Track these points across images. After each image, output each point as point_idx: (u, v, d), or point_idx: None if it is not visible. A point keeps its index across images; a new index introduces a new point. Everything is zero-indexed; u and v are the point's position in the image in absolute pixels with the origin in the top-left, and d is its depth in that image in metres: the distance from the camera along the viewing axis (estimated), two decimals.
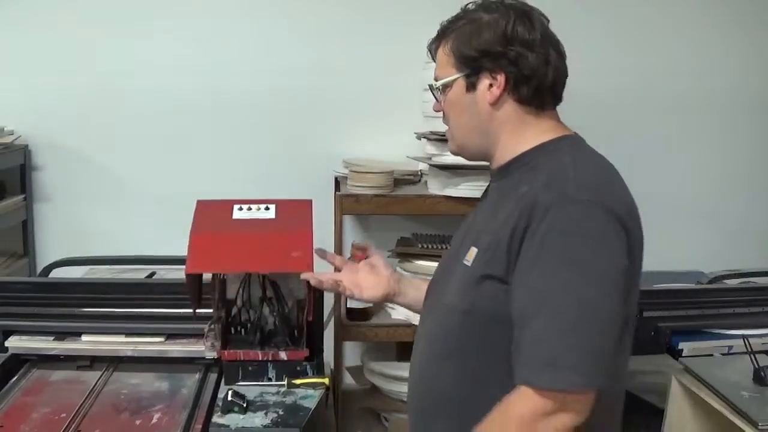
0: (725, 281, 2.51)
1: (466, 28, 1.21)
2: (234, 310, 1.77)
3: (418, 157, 2.62)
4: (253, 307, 1.77)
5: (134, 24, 2.72)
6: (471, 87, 1.21)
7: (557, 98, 1.27)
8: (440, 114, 1.30)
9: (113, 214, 2.83)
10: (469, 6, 1.25)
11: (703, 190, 3.05)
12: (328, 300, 2.29)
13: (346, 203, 2.48)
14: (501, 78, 1.19)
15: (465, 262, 1.19)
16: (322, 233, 2.22)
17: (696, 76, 2.95)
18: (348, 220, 2.88)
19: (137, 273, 2.37)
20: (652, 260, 2.99)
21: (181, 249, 2.30)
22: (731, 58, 2.96)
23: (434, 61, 1.28)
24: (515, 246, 1.10)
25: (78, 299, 1.90)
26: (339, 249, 2.57)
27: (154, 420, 1.60)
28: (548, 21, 1.25)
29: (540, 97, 1.22)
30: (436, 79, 1.26)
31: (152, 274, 2.37)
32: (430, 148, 2.49)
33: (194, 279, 1.72)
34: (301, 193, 2.00)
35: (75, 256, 2.46)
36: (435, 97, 1.28)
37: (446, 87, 1.24)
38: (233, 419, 1.58)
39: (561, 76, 1.26)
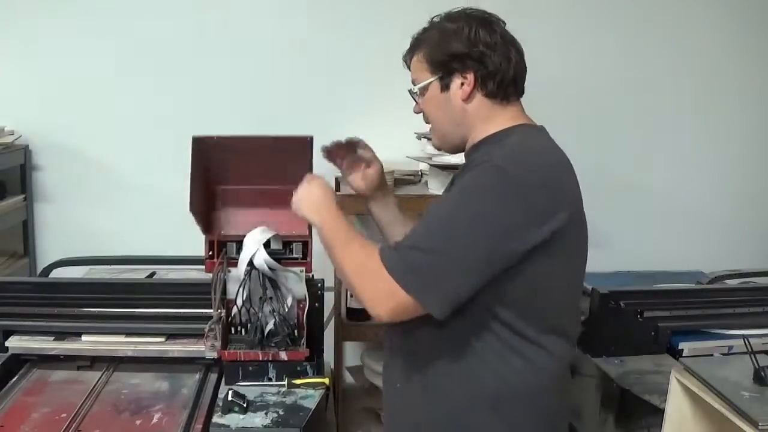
0: (725, 281, 2.51)
1: (435, 36, 1.39)
2: (234, 310, 1.77)
3: (418, 157, 2.62)
4: (253, 307, 1.77)
5: (134, 24, 2.72)
6: (445, 87, 1.38)
7: (519, 91, 1.45)
8: (421, 115, 1.47)
9: (113, 214, 2.83)
10: (435, 18, 1.42)
11: (703, 191, 3.05)
12: (329, 300, 2.30)
13: (347, 203, 2.47)
14: (470, 76, 1.36)
15: None
16: None
17: (696, 76, 2.95)
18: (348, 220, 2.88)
19: (137, 273, 2.37)
20: (653, 260, 3.03)
21: (181, 249, 2.32)
22: (733, 58, 2.96)
23: (410, 70, 1.45)
24: None
25: (78, 299, 1.90)
26: None
27: (155, 420, 1.60)
28: (505, 24, 1.43)
29: (504, 90, 1.40)
30: (413, 84, 1.43)
31: (152, 274, 2.37)
32: (430, 148, 2.49)
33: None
34: None
35: (75, 256, 2.46)
36: (415, 101, 1.45)
37: (424, 90, 1.41)
38: (233, 419, 1.58)
39: (521, 71, 1.45)
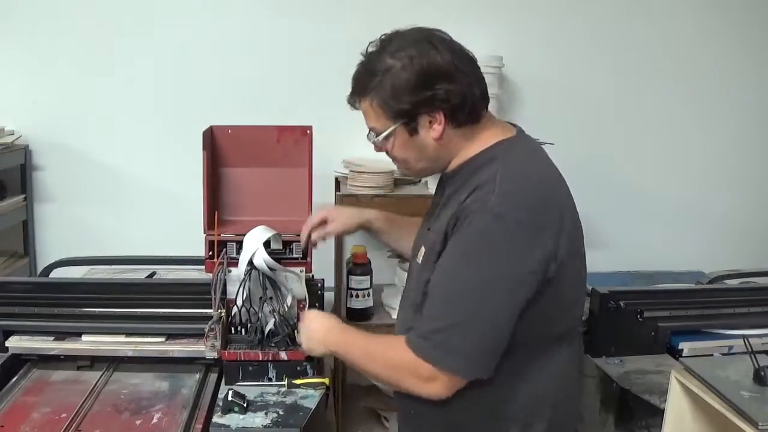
0: (725, 281, 2.51)
1: (386, 82, 1.26)
2: (234, 310, 1.77)
3: None
4: (253, 307, 1.77)
5: (134, 24, 2.72)
6: (413, 131, 1.29)
7: (487, 102, 1.34)
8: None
9: (113, 214, 2.83)
10: (371, 51, 1.31)
11: (703, 191, 3.05)
12: (329, 300, 2.30)
13: (346, 203, 2.48)
14: (439, 116, 1.27)
15: (417, 260, 1.37)
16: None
17: (697, 77, 2.96)
18: None
19: (137, 273, 2.37)
20: (653, 260, 3.03)
21: (181, 249, 2.32)
22: (733, 58, 2.96)
23: (355, 109, 1.35)
24: (444, 246, 1.26)
25: (78, 299, 1.90)
26: (339, 248, 2.57)
27: (155, 420, 1.60)
28: (446, 33, 1.32)
29: (475, 113, 1.30)
30: (372, 129, 1.33)
31: (152, 274, 2.37)
32: None
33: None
34: None
35: (75, 256, 2.46)
36: (374, 142, 1.35)
37: (387, 138, 1.31)
38: (233, 419, 1.58)
39: (482, 82, 1.32)
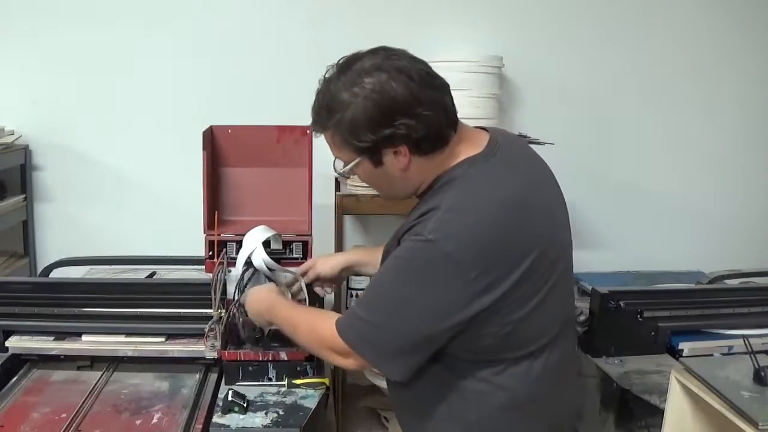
0: (725, 281, 2.51)
1: (345, 119, 1.23)
2: (234, 310, 1.77)
3: None
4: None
5: (134, 24, 2.72)
6: (378, 163, 1.27)
7: (455, 124, 1.28)
8: None
9: (113, 214, 2.83)
10: (329, 77, 1.28)
11: (703, 191, 3.05)
12: (329, 300, 2.30)
13: (347, 203, 2.48)
14: (403, 149, 1.24)
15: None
16: (323, 233, 2.22)
17: (696, 77, 2.96)
18: (348, 220, 2.88)
19: (137, 273, 2.37)
20: (653, 260, 3.03)
21: (181, 249, 2.31)
22: (732, 58, 2.96)
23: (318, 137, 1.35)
24: None
25: (78, 299, 1.90)
26: (339, 248, 2.57)
27: (155, 420, 1.60)
28: (403, 54, 1.26)
29: (441, 140, 1.26)
30: (337, 159, 1.31)
31: (152, 274, 2.37)
32: None
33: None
34: None
35: (75, 256, 2.46)
36: (340, 173, 1.33)
37: (352, 169, 1.30)
38: (233, 419, 1.58)
39: (447, 106, 1.26)
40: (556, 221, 1.35)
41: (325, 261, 1.72)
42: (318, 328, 1.38)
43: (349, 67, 1.25)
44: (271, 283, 1.72)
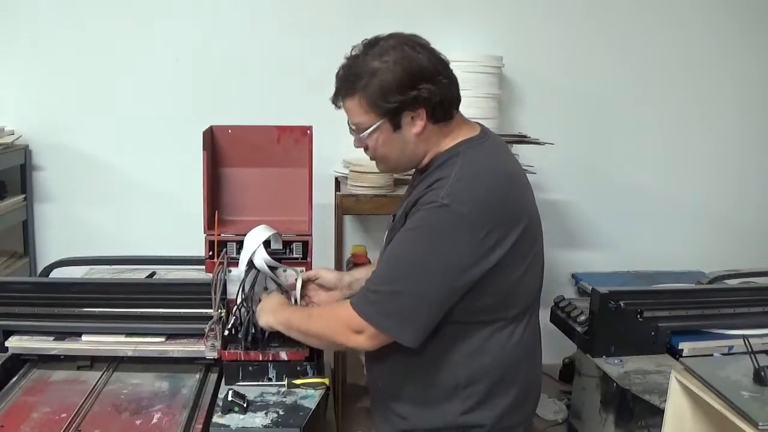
0: (725, 281, 2.51)
1: (373, 82, 1.35)
2: (234, 310, 1.77)
3: None
4: (254, 307, 1.77)
5: (134, 24, 2.72)
6: (396, 127, 1.39)
7: (459, 102, 1.44)
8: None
9: (113, 214, 2.83)
10: (356, 53, 1.40)
11: (703, 191, 3.05)
12: None
13: (347, 203, 2.48)
14: (422, 112, 1.38)
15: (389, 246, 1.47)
16: (323, 233, 2.22)
17: (696, 77, 2.96)
18: (348, 220, 2.88)
19: (137, 273, 2.37)
20: (652, 260, 3.04)
21: (181, 249, 2.31)
22: (731, 58, 2.96)
23: (339, 107, 1.44)
24: None
25: (78, 299, 1.90)
26: (339, 248, 2.57)
27: (155, 420, 1.60)
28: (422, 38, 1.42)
29: (450, 111, 1.42)
30: (356, 125, 1.41)
31: (152, 274, 2.37)
32: None
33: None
34: None
35: (75, 256, 2.46)
36: (357, 138, 1.44)
37: (372, 132, 1.40)
38: (233, 419, 1.58)
39: (457, 83, 1.43)
40: (535, 204, 1.48)
41: (327, 270, 1.81)
42: (334, 310, 1.49)
43: (376, 43, 1.39)
44: (282, 295, 1.73)
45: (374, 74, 1.35)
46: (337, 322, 1.43)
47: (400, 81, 1.34)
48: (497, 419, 1.44)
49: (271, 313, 1.62)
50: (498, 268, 1.34)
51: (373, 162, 1.52)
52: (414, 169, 1.51)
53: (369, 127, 1.39)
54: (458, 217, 1.31)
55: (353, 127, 1.43)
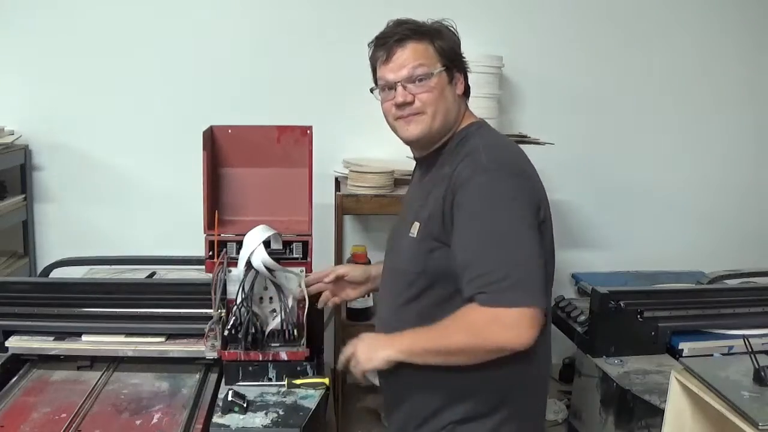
0: (725, 281, 2.51)
1: (444, 34, 1.47)
2: (234, 310, 1.77)
3: None
4: (254, 307, 1.77)
5: (134, 24, 2.72)
6: (450, 79, 1.46)
7: None
8: (405, 103, 1.45)
9: (113, 214, 2.83)
10: (413, 21, 1.49)
11: (703, 191, 3.05)
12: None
13: (347, 203, 2.48)
14: (462, 78, 1.49)
15: (411, 235, 1.45)
16: (323, 233, 2.22)
17: (696, 77, 2.96)
18: (348, 220, 2.88)
19: (137, 273, 2.37)
20: (653, 260, 3.03)
21: (181, 249, 2.31)
22: (733, 58, 2.96)
23: (394, 54, 1.45)
24: (448, 215, 1.37)
25: (78, 299, 1.90)
26: (339, 248, 2.57)
27: (155, 420, 1.60)
28: None
29: (470, 90, 1.52)
30: (419, 66, 1.43)
31: (152, 274, 2.37)
32: None
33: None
34: None
35: (75, 256, 2.46)
36: (418, 77, 1.43)
37: (429, 76, 1.43)
38: (233, 419, 1.58)
39: None
40: None
41: (353, 266, 1.83)
42: (464, 318, 1.31)
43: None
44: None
45: (442, 29, 1.47)
46: (485, 325, 1.28)
47: (458, 44, 1.49)
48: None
49: (382, 348, 1.42)
50: (542, 231, 1.37)
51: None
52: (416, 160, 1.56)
53: (430, 72, 1.42)
54: (509, 175, 1.35)
55: (407, 75, 1.43)
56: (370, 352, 1.43)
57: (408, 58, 1.43)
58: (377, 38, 1.50)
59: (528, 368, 1.41)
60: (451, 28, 1.50)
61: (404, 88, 1.43)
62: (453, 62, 1.46)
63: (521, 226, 1.31)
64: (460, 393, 1.42)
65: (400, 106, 1.45)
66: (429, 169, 1.50)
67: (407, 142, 1.52)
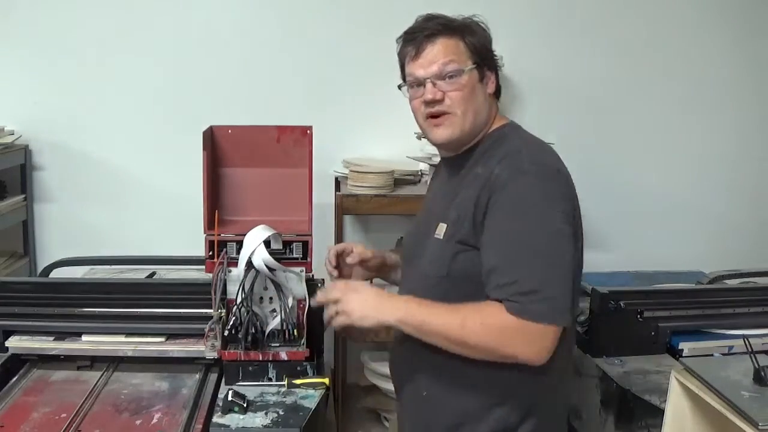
0: (725, 281, 2.51)
1: (476, 30, 1.42)
2: (234, 310, 1.77)
3: (418, 157, 2.62)
4: (254, 307, 1.77)
5: (134, 24, 2.72)
6: (481, 78, 1.42)
7: None
8: (435, 101, 1.40)
9: (113, 214, 2.83)
10: (436, 15, 1.43)
11: (704, 191, 3.05)
12: None
13: (347, 203, 2.48)
14: (493, 76, 1.44)
15: (436, 236, 1.41)
16: (323, 233, 2.22)
17: (696, 77, 2.96)
18: (348, 220, 2.88)
19: (137, 273, 2.37)
20: (652, 260, 3.03)
21: (181, 249, 2.31)
22: (733, 59, 2.96)
23: (423, 49, 1.40)
24: (479, 217, 1.33)
25: (78, 299, 1.90)
26: None
27: (155, 420, 1.60)
28: None
29: (500, 90, 1.49)
30: (449, 63, 1.38)
31: (152, 274, 2.37)
32: (430, 148, 2.49)
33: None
34: None
35: (75, 256, 2.46)
36: (449, 73, 1.39)
37: (460, 73, 1.38)
38: (233, 419, 1.58)
39: None
40: None
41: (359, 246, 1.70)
42: (490, 317, 1.27)
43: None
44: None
45: (473, 25, 1.43)
46: (508, 333, 1.25)
47: (489, 41, 1.44)
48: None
49: (383, 312, 1.34)
50: (575, 239, 1.34)
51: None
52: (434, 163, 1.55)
53: (461, 69, 1.38)
54: (552, 174, 1.33)
55: (437, 71, 1.38)
56: (367, 309, 1.35)
57: (438, 53, 1.39)
58: (406, 33, 1.45)
59: (552, 380, 1.40)
60: (482, 24, 1.45)
61: (434, 85, 1.39)
62: (484, 60, 1.42)
63: (558, 235, 1.29)
64: (494, 400, 1.39)
65: (429, 103, 1.40)
66: (457, 169, 1.46)
67: (436, 144, 1.49)
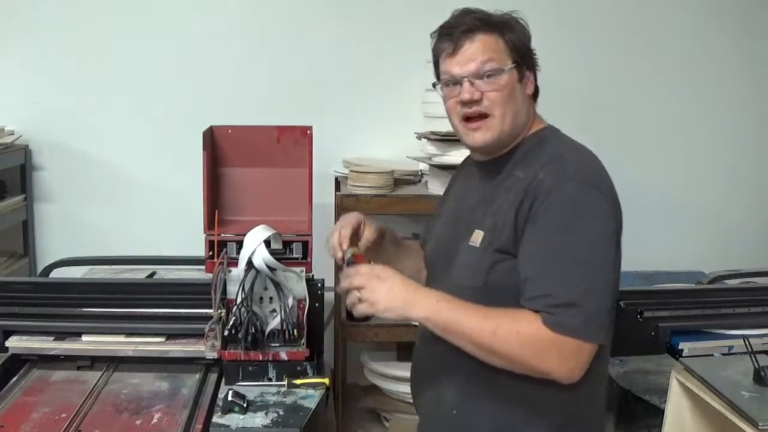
0: (725, 281, 2.51)
1: (516, 28, 1.35)
2: (234, 310, 1.77)
3: (418, 157, 2.62)
4: (254, 307, 1.77)
5: (134, 24, 2.72)
6: (521, 78, 1.34)
7: None
8: (473, 101, 1.31)
9: (113, 214, 2.83)
10: (473, 9, 1.36)
11: (704, 191, 3.05)
12: (329, 300, 2.29)
13: (347, 203, 2.48)
14: (532, 77, 1.37)
15: (471, 244, 1.32)
16: (322, 233, 2.22)
17: (696, 77, 2.96)
18: None
19: (137, 273, 2.37)
20: (652, 260, 3.03)
21: (181, 249, 2.31)
22: (734, 59, 2.96)
23: (461, 46, 1.31)
24: (521, 223, 1.26)
25: (78, 299, 1.90)
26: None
27: (155, 420, 1.60)
28: None
29: (538, 92, 1.40)
30: (488, 61, 1.30)
31: (152, 274, 2.37)
32: (430, 148, 2.49)
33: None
34: None
35: (75, 256, 2.46)
36: (487, 72, 1.31)
37: (500, 72, 1.31)
38: (233, 419, 1.58)
39: None
40: None
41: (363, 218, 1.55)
42: (525, 327, 1.19)
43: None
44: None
45: (513, 22, 1.36)
46: (542, 346, 1.18)
47: (529, 38, 1.37)
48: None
49: (411, 307, 1.24)
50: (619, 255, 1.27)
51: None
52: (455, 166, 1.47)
53: (501, 68, 1.30)
54: (597, 190, 1.26)
55: (475, 69, 1.30)
56: (394, 301, 1.24)
57: (477, 51, 1.30)
58: (441, 27, 1.35)
59: (589, 396, 1.33)
60: (522, 21, 1.37)
61: (471, 84, 1.30)
62: (524, 59, 1.34)
63: (602, 248, 1.22)
64: (528, 417, 1.31)
65: (465, 103, 1.31)
66: (493, 174, 1.37)
67: (472, 149, 1.40)
